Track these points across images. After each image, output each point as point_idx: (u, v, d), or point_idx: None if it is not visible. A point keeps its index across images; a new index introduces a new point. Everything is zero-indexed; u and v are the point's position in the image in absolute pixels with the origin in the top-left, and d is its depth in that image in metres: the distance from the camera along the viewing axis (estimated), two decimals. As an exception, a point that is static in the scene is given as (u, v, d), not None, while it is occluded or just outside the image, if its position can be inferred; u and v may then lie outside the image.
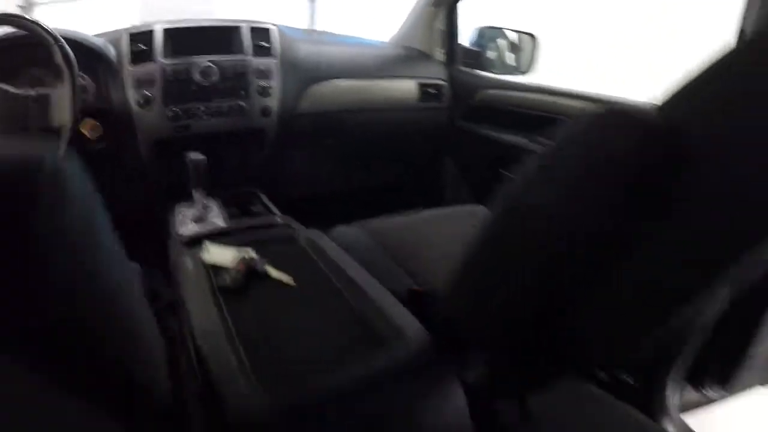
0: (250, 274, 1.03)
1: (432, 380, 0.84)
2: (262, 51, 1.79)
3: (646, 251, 0.65)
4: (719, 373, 1.82)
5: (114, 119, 1.61)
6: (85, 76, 1.51)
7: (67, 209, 0.48)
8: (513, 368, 1.01)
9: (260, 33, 1.81)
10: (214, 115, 1.73)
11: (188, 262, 1.15)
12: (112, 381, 0.55)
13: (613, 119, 0.67)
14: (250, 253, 1.10)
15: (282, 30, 1.88)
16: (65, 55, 1.36)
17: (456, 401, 0.87)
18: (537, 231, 0.72)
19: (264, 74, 1.79)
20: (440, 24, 2.21)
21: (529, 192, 0.73)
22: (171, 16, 1.77)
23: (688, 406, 2.00)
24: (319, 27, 3.70)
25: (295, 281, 1.03)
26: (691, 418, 1.88)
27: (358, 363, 0.82)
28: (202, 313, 0.91)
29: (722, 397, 2.00)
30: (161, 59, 1.66)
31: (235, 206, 1.67)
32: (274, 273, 1.04)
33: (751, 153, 0.60)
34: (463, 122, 2.20)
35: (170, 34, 1.69)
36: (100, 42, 1.63)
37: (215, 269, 1.06)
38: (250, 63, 1.76)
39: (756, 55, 0.63)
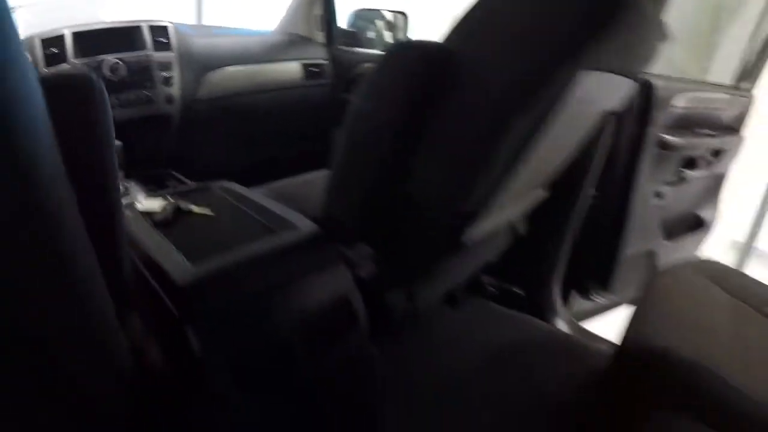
0: (177, 211, 1.35)
1: (320, 257, 1.17)
2: (161, 46, 2.08)
3: (440, 126, 1.04)
4: (598, 278, 2.21)
5: None
6: None
7: (107, 108, 0.76)
8: (395, 258, 1.34)
9: (158, 30, 2.09)
10: (125, 105, 2.00)
11: (126, 211, 1.45)
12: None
13: (402, 49, 1.07)
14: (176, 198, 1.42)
15: (177, 26, 2.17)
16: None
17: (345, 280, 1.22)
18: (370, 129, 1.11)
19: (165, 66, 2.08)
20: (319, 10, 2.54)
21: (362, 105, 1.12)
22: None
23: (583, 315, 2.38)
24: (205, 21, 3.99)
25: (213, 212, 1.36)
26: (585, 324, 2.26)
27: (259, 244, 1.14)
28: (144, 234, 1.22)
29: (613, 304, 2.38)
30: (73, 60, 1.89)
31: (153, 185, 1.95)
32: (196, 209, 1.36)
33: (495, 57, 1.00)
34: (344, 94, 2.52)
35: (78, 36, 1.93)
36: None
37: (148, 214, 1.38)
38: (152, 57, 2.05)
39: None
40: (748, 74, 2.53)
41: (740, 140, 2.52)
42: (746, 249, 3.59)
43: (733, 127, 2.48)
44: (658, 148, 2.04)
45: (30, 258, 0.56)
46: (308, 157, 1.86)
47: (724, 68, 2.64)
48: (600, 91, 1.23)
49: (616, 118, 1.83)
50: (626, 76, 1.30)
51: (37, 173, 0.52)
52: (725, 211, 2.87)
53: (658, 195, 2.24)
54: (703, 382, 1.08)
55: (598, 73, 1.09)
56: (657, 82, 1.91)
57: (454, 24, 1.05)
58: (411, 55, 1.06)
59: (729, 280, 1.51)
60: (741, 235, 3.60)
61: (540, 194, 1.65)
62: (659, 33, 1.34)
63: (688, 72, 2.82)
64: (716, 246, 3.07)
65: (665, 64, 2.59)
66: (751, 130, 2.58)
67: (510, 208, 1.47)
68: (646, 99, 1.91)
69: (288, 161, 2.28)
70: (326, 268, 1.18)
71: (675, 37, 2.61)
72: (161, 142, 2.18)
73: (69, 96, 0.68)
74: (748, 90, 2.54)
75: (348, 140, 1.15)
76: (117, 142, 1.71)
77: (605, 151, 1.86)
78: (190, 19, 3.85)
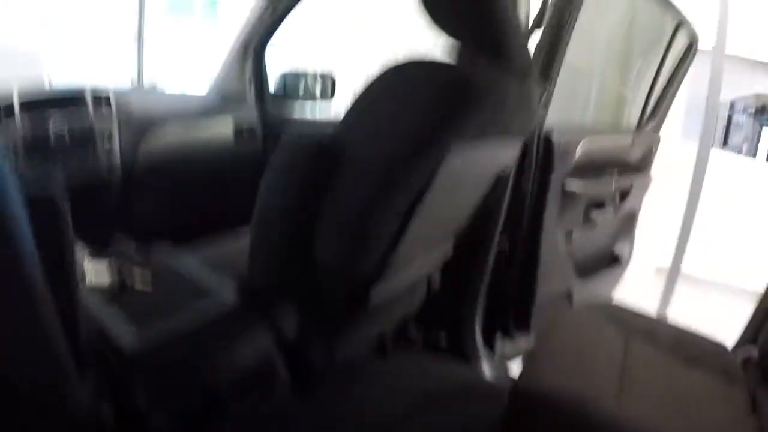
0: (121, 285, 1.55)
1: (243, 322, 1.41)
2: (102, 112, 2.26)
3: (333, 201, 1.28)
4: (517, 319, 2.42)
5: None
6: None
7: (68, 224, 0.97)
8: (313, 315, 1.53)
9: (100, 97, 2.27)
10: (70, 171, 2.15)
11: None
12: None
13: (291, 147, 1.33)
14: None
15: (118, 93, 2.35)
16: None
17: (265, 341, 1.44)
18: (276, 205, 1.37)
19: (106, 132, 2.25)
20: (249, 71, 2.75)
21: (269, 183, 1.36)
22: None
23: (514, 355, 2.57)
24: (146, 67, 4.15)
25: (153, 285, 1.56)
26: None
27: (192, 312, 1.37)
28: (93, 305, 1.40)
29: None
30: (20, 126, 2.04)
31: (97, 244, 2.13)
32: (138, 284, 1.56)
33: (374, 140, 1.25)
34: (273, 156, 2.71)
35: (26, 105, 2.08)
36: None
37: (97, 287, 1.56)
38: (94, 123, 2.22)
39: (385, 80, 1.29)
40: (652, 115, 2.80)
41: (648, 179, 2.77)
42: (673, 273, 3.85)
43: (639, 167, 2.73)
44: (563, 194, 2.28)
45: (17, 323, 0.79)
46: (240, 216, 2.05)
47: (636, 112, 2.90)
48: (485, 156, 1.48)
49: (518, 169, 2.06)
50: (511, 137, 1.55)
51: (26, 266, 0.76)
52: (647, 238, 3.13)
53: (568, 236, 2.47)
54: (585, 417, 1.28)
55: (476, 141, 1.35)
56: (556, 135, 2.15)
57: (344, 114, 1.31)
58: (299, 150, 1.32)
59: (624, 319, 1.73)
60: (665, 261, 3.86)
61: (449, 249, 1.87)
62: (533, 102, 1.59)
63: (603, 117, 3.07)
64: (641, 274, 3.32)
65: (579, 112, 2.85)
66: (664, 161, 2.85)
67: (418, 263, 1.69)
68: (546, 150, 2.14)
69: (222, 219, 2.41)
70: (248, 331, 1.41)
71: (589, 87, 2.85)
72: (104, 203, 2.34)
73: (37, 215, 0.85)
74: (655, 130, 2.80)
75: (259, 212, 1.39)
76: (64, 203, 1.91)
77: (507, 203, 2.08)
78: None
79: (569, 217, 2.40)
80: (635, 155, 2.68)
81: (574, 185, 2.29)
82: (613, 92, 3.03)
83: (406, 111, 1.25)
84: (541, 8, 1.91)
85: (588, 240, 2.62)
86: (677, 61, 2.79)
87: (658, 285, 3.89)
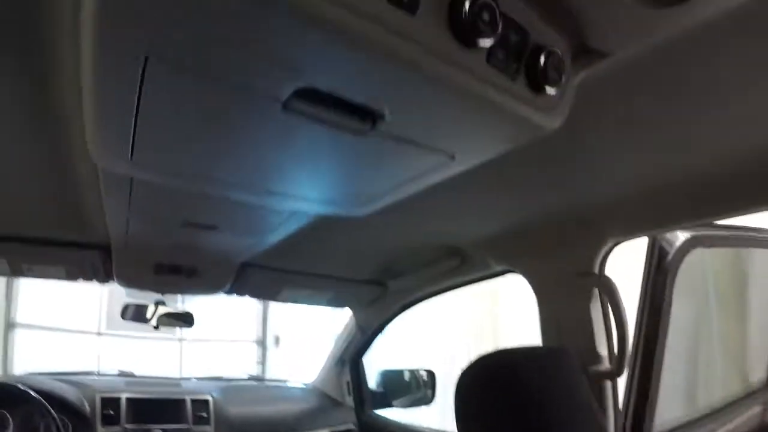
0: None
1: None
2: (201, 420, 2.38)
3: None
4: None
5: None
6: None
7: None
8: None
9: (200, 404, 2.41)
10: None
11: None
12: None
13: None
14: None
15: (217, 398, 2.49)
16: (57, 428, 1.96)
17: None
18: None
19: None
20: (347, 375, 2.83)
21: None
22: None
23: None
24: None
25: None
26: None
27: None
28: None
29: None
30: (125, 424, 2.22)
31: None
32: None
33: None
34: None
35: (132, 402, 2.27)
36: (76, 398, 2.18)
37: None
38: (191, 428, 2.33)
39: None
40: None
41: None
42: None
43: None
44: None
45: None
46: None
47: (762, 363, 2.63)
48: None
49: None
50: None
51: None
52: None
53: None
54: None
55: None
56: None
57: None
58: None
59: None
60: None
61: None
62: None
63: (725, 388, 2.81)
64: None
65: (695, 393, 2.63)
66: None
67: None
68: None
69: None
70: None
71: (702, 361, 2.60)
72: None
73: None
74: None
75: None
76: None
77: None
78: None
79: None
80: (769, 418, 2.43)
81: None
82: (732, 355, 2.81)
83: None
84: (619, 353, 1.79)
85: None
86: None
87: None
